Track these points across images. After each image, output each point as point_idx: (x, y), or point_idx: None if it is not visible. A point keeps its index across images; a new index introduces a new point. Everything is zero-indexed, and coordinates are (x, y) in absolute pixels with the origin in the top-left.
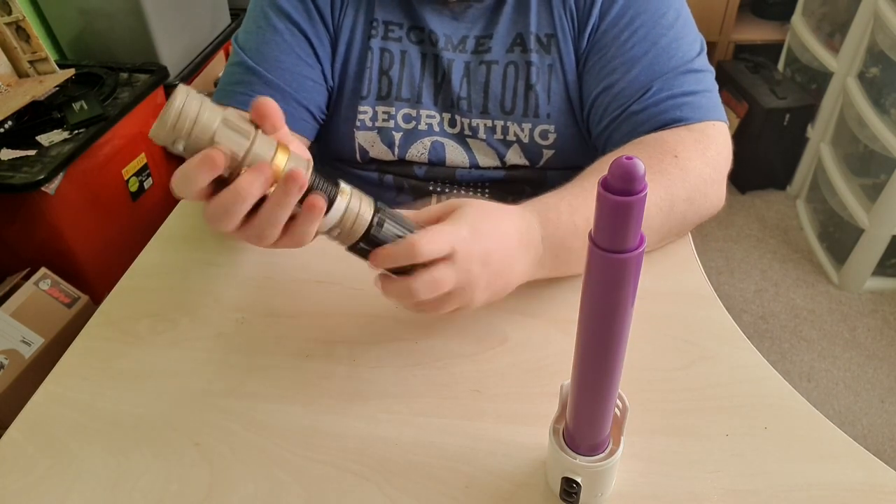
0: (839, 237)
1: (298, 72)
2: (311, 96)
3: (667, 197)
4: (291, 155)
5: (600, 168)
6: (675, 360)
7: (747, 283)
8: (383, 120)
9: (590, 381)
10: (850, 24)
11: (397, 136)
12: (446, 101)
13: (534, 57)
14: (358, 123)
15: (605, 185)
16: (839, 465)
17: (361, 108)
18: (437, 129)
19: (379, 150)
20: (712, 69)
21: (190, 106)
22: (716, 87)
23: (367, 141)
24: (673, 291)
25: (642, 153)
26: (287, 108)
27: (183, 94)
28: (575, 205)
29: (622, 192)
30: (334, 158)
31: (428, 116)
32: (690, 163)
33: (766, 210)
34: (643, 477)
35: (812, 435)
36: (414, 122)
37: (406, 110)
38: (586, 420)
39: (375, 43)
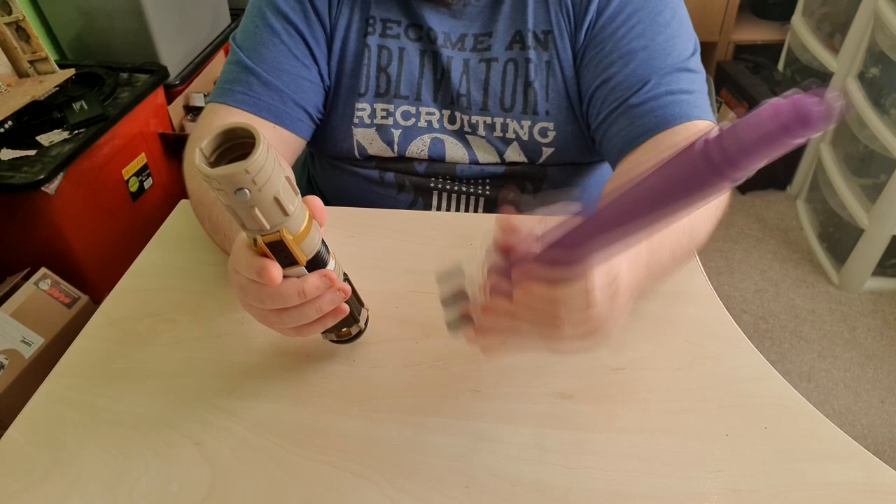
0: (839, 237)
1: (296, 73)
2: (309, 96)
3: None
4: (313, 223)
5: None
6: (675, 360)
7: (747, 283)
8: (382, 117)
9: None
10: (850, 24)
11: (396, 133)
12: (446, 97)
13: (532, 54)
14: (356, 121)
15: (776, 113)
16: (839, 465)
17: (359, 106)
18: (436, 125)
19: (378, 148)
20: (704, 71)
21: (270, 156)
22: (706, 89)
23: (365, 138)
24: (673, 291)
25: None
26: (284, 108)
27: (265, 142)
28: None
29: (793, 130)
30: (333, 157)
31: (427, 113)
32: None
33: (766, 210)
34: (643, 477)
35: (812, 435)
36: (413, 119)
37: (405, 107)
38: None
39: (373, 40)
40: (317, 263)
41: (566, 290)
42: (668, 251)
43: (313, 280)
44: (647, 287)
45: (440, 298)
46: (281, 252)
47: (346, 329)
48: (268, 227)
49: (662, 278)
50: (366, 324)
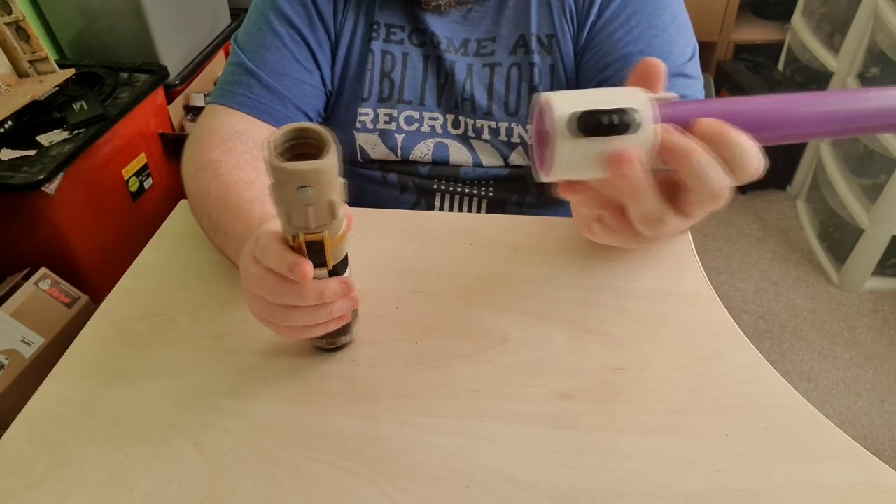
0: (839, 237)
1: (298, 77)
2: (310, 101)
3: None
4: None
5: None
6: (675, 360)
7: (747, 283)
8: (385, 122)
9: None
10: (850, 24)
11: (399, 137)
12: (450, 102)
13: (536, 58)
14: (358, 125)
15: None
16: (839, 465)
17: (362, 111)
18: (440, 130)
19: (381, 152)
20: (702, 77)
21: (337, 159)
22: (702, 95)
23: (367, 143)
24: (673, 291)
25: None
26: (285, 111)
27: (336, 145)
28: None
29: None
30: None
31: (431, 118)
32: None
33: (766, 210)
34: (643, 477)
35: (812, 435)
36: (417, 124)
37: (408, 112)
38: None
39: (377, 45)
40: (338, 270)
41: (751, 144)
42: None
43: (333, 284)
44: None
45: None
46: (316, 252)
47: (338, 338)
48: (313, 226)
49: None
50: (355, 336)
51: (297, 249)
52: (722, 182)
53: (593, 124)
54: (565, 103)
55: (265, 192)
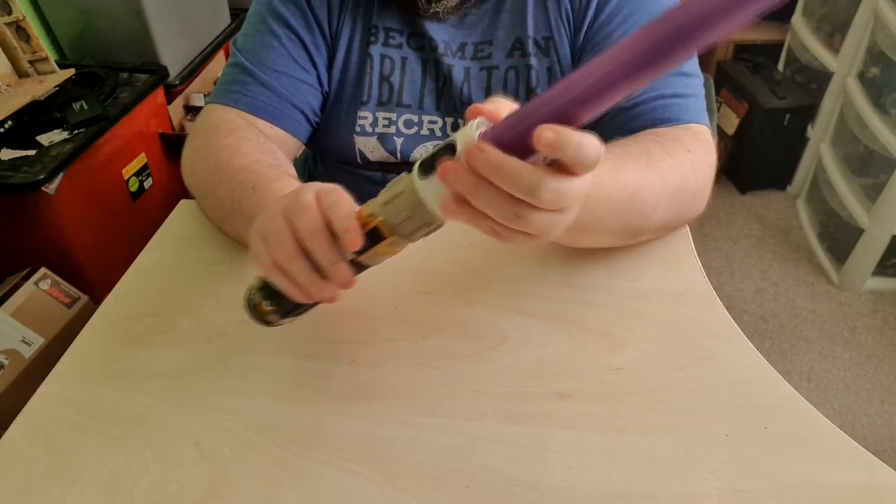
0: (839, 237)
1: (294, 75)
2: (306, 99)
3: (680, 184)
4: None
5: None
6: (675, 360)
7: (747, 283)
8: (384, 126)
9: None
10: (850, 24)
11: (399, 141)
12: (448, 105)
13: (533, 60)
14: (358, 129)
15: None
16: (839, 465)
17: (361, 114)
18: (439, 133)
19: (380, 155)
20: (701, 75)
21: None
22: (703, 93)
23: (367, 146)
24: (673, 291)
25: (657, 142)
26: (281, 108)
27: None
28: (618, 165)
29: None
30: (336, 161)
31: (430, 121)
32: (701, 159)
33: (766, 210)
34: (643, 477)
35: (812, 435)
36: (416, 128)
37: (408, 116)
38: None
39: (375, 49)
40: (360, 268)
41: (564, 135)
42: (606, 194)
43: (345, 269)
44: (575, 223)
45: (421, 162)
46: (372, 241)
47: (276, 311)
48: (395, 224)
49: (592, 226)
50: (280, 324)
51: (362, 221)
52: (525, 186)
53: (427, 164)
54: (418, 156)
55: (294, 180)
